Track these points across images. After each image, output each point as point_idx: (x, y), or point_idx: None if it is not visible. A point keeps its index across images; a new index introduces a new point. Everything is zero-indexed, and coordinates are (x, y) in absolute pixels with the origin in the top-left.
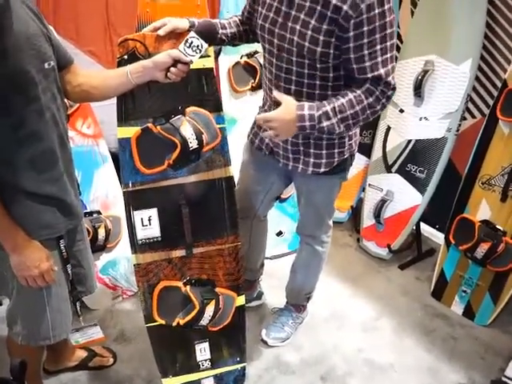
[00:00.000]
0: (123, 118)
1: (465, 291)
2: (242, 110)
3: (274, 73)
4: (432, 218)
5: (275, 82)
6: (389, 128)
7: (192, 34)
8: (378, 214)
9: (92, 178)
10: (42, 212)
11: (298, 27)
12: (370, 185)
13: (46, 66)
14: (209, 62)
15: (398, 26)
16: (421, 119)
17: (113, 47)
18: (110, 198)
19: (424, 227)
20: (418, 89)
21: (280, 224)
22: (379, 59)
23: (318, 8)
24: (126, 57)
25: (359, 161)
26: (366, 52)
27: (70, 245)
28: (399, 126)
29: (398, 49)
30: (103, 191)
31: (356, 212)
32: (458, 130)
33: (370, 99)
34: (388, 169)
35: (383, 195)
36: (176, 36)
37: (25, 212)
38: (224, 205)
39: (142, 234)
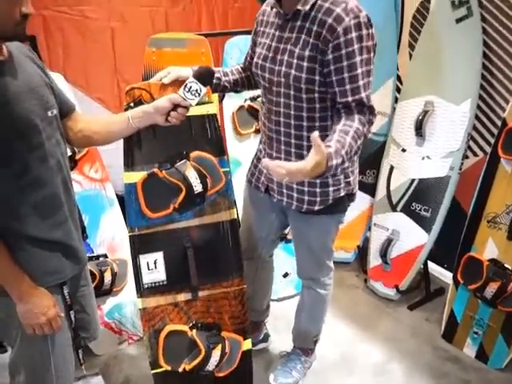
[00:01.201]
0: (130, 163)
1: (476, 333)
2: (246, 152)
3: (266, 107)
4: (440, 256)
5: (267, 115)
6: (392, 167)
7: (191, 78)
8: (384, 253)
9: (99, 222)
10: (47, 258)
11: (285, 57)
12: (375, 224)
13: (49, 114)
14: (212, 108)
15: (398, 68)
16: (423, 158)
17: (120, 93)
18: (116, 241)
19: (432, 266)
20: (419, 129)
21: (286, 265)
22: (360, 83)
23: (303, 36)
24: (132, 104)
25: (364, 200)
26: (346, 75)
27: (73, 290)
28: (402, 166)
29: (399, 90)
30: (110, 234)
31: (362, 252)
32: (460, 169)
33: (364, 129)
34: (393, 208)
35: (389, 234)
36: (179, 84)
37: (30, 258)
38: (229, 247)
39: (147, 278)
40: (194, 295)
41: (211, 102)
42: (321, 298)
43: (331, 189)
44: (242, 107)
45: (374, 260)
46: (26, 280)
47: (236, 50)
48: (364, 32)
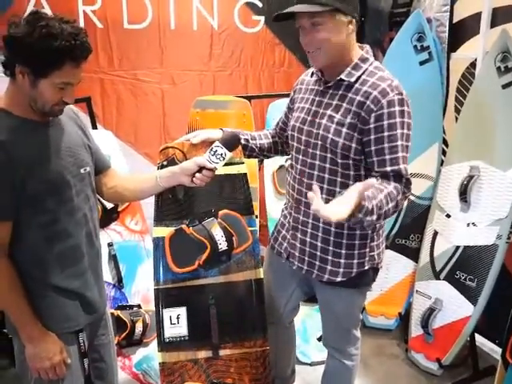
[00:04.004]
0: (160, 218)
1: None
2: None
3: (298, 169)
4: (489, 330)
5: (299, 178)
6: (436, 233)
7: (216, 143)
8: (425, 323)
9: (135, 272)
10: (64, 306)
11: (323, 121)
12: (417, 291)
13: (82, 171)
14: (242, 168)
15: (444, 132)
16: (468, 225)
17: None
18: (151, 293)
19: (481, 341)
20: (464, 194)
21: (321, 328)
22: (399, 154)
23: (344, 105)
24: (165, 163)
25: (407, 265)
26: (386, 145)
27: (91, 338)
28: (446, 232)
29: (445, 153)
30: (145, 285)
31: (405, 320)
32: (509, 238)
33: (400, 196)
34: (436, 275)
35: (431, 303)
36: (210, 144)
37: (47, 305)
38: (253, 307)
39: (169, 332)
40: (215, 353)
41: (242, 163)
42: (347, 369)
43: (355, 261)
44: (282, 167)
45: (415, 329)
46: (37, 324)
47: (279, 112)
48: (406, 109)
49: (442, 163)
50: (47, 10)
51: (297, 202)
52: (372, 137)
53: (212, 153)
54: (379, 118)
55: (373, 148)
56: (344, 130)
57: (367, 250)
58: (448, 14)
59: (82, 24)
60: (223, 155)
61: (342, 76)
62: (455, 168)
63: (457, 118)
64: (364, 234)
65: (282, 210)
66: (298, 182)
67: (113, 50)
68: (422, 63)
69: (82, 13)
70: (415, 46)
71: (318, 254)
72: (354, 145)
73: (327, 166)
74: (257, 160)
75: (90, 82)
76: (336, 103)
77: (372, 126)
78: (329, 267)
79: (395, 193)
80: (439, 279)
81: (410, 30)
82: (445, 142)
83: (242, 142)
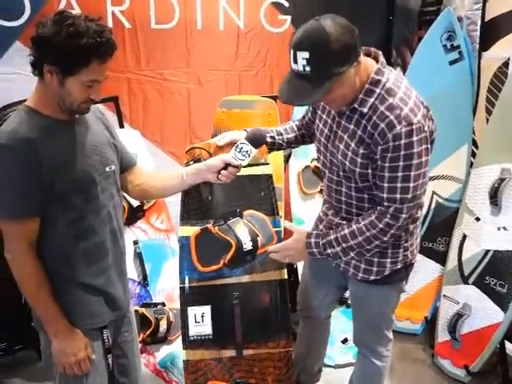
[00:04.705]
0: (186, 217)
1: None
2: (309, 211)
3: (326, 184)
4: None
5: (327, 191)
6: (465, 236)
7: (242, 140)
8: (453, 329)
9: (160, 270)
10: (88, 302)
11: (341, 147)
12: (444, 296)
13: (107, 169)
14: (267, 169)
15: (474, 133)
16: (499, 229)
17: None
18: (175, 291)
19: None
20: (495, 197)
21: (346, 331)
22: (398, 185)
23: (359, 132)
24: (191, 163)
25: (434, 268)
26: (386, 174)
27: (114, 335)
28: (476, 235)
29: (474, 155)
30: (170, 284)
31: (431, 324)
32: None
33: (373, 231)
34: (464, 280)
35: (459, 309)
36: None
37: (72, 301)
38: (277, 308)
39: (194, 330)
40: (239, 353)
41: (267, 164)
42: (377, 369)
43: (389, 260)
44: (307, 167)
45: (442, 335)
46: (64, 320)
47: (304, 112)
48: (415, 138)
49: (471, 165)
50: (77, 11)
51: (332, 207)
52: (379, 163)
53: (238, 150)
54: (384, 151)
55: (377, 173)
56: (359, 159)
57: (401, 250)
58: (480, 11)
59: (110, 24)
60: (248, 152)
61: (356, 105)
62: (485, 170)
63: (487, 119)
64: (398, 236)
65: (322, 206)
66: (327, 193)
67: (140, 49)
68: (451, 63)
69: (111, 13)
70: (445, 46)
71: (367, 255)
72: (370, 171)
73: (352, 185)
74: (282, 160)
75: (118, 81)
76: (352, 128)
77: (378, 156)
78: (362, 265)
79: (364, 228)
80: (467, 284)
81: (440, 29)
82: (474, 143)
83: (269, 139)
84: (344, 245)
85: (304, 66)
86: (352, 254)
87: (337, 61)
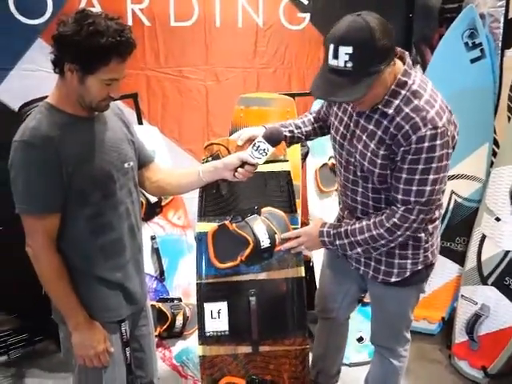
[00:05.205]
0: (203, 214)
1: None
2: (326, 209)
3: (342, 182)
4: None
5: (342, 190)
6: (484, 236)
7: (259, 138)
8: (470, 330)
9: (177, 266)
10: (106, 296)
11: (359, 147)
12: (462, 296)
13: (126, 165)
14: (286, 166)
15: (495, 132)
16: None
17: None
18: (192, 287)
19: None
20: None
21: (361, 329)
22: (414, 188)
23: (379, 133)
24: (210, 159)
25: (451, 268)
26: (403, 176)
27: (132, 329)
28: (496, 235)
29: (495, 154)
30: (186, 279)
31: (448, 325)
32: None
33: (380, 230)
34: (483, 281)
35: (477, 309)
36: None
37: (91, 294)
38: (293, 305)
39: (210, 326)
40: (255, 349)
41: (286, 161)
42: (394, 369)
43: (409, 261)
44: (325, 165)
45: (459, 335)
46: (83, 313)
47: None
48: (438, 142)
49: (491, 164)
50: (97, 9)
51: (346, 207)
52: (398, 164)
53: (255, 148)
54: (406, 152)
55: (394, 174)
56: (378, 160)
57: (421, 250)
58: (503, 8)
59: (130, 22)
60: (266, 150)
61: (380, 106)
62: (506, 170)
63: (509, 118)
64: (417, 236)
65: (339, 203)
66: (343, 192)
67: (159, 47)
68: (473, 61)
69: (131, 11)
70: (466, 43)
71: (373, 254)
72: (388, 171)
73: (370, 185)
74: (300, 157)
75: (137, 78)
76: (371, 129)
77: (399, 157)
78: (383, 267)
79: (372, 226)
80: (487, 284)
81: (462, 27)
82: (495, 142)
83: (288, 134)
84: (352, 238)
85: (346, 61)
86: (359, 250)
87: (379, 58)
